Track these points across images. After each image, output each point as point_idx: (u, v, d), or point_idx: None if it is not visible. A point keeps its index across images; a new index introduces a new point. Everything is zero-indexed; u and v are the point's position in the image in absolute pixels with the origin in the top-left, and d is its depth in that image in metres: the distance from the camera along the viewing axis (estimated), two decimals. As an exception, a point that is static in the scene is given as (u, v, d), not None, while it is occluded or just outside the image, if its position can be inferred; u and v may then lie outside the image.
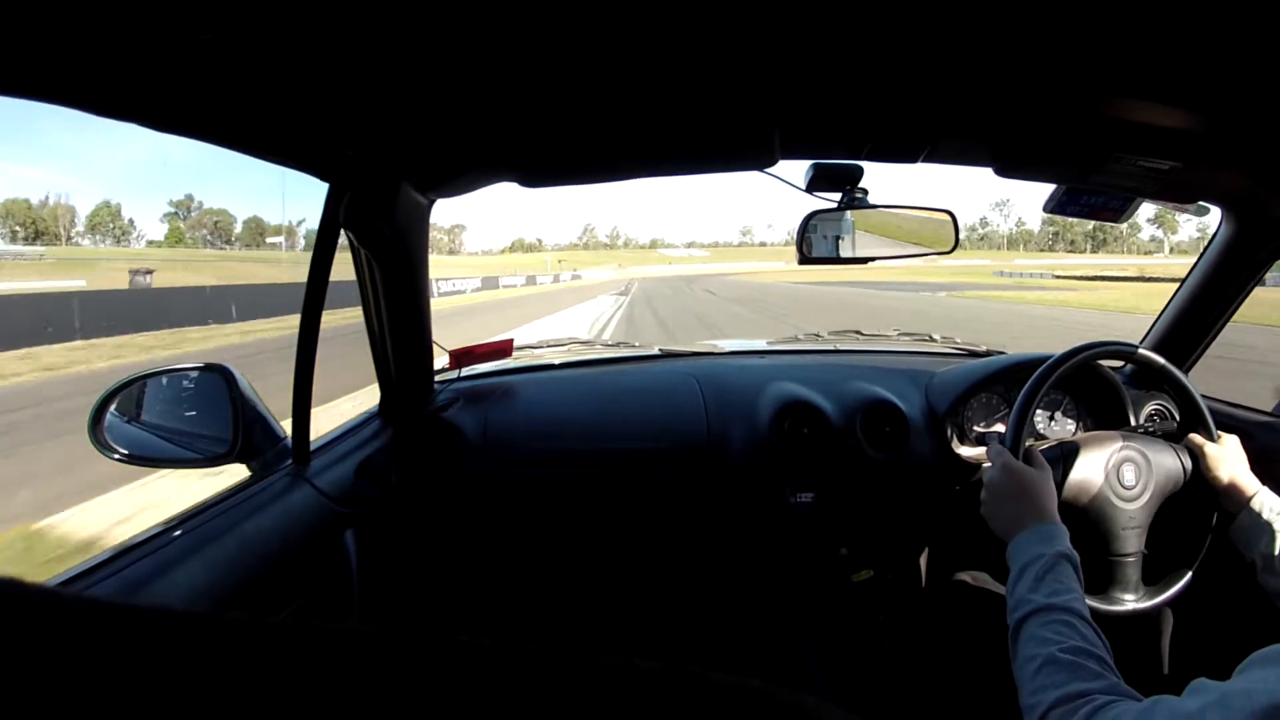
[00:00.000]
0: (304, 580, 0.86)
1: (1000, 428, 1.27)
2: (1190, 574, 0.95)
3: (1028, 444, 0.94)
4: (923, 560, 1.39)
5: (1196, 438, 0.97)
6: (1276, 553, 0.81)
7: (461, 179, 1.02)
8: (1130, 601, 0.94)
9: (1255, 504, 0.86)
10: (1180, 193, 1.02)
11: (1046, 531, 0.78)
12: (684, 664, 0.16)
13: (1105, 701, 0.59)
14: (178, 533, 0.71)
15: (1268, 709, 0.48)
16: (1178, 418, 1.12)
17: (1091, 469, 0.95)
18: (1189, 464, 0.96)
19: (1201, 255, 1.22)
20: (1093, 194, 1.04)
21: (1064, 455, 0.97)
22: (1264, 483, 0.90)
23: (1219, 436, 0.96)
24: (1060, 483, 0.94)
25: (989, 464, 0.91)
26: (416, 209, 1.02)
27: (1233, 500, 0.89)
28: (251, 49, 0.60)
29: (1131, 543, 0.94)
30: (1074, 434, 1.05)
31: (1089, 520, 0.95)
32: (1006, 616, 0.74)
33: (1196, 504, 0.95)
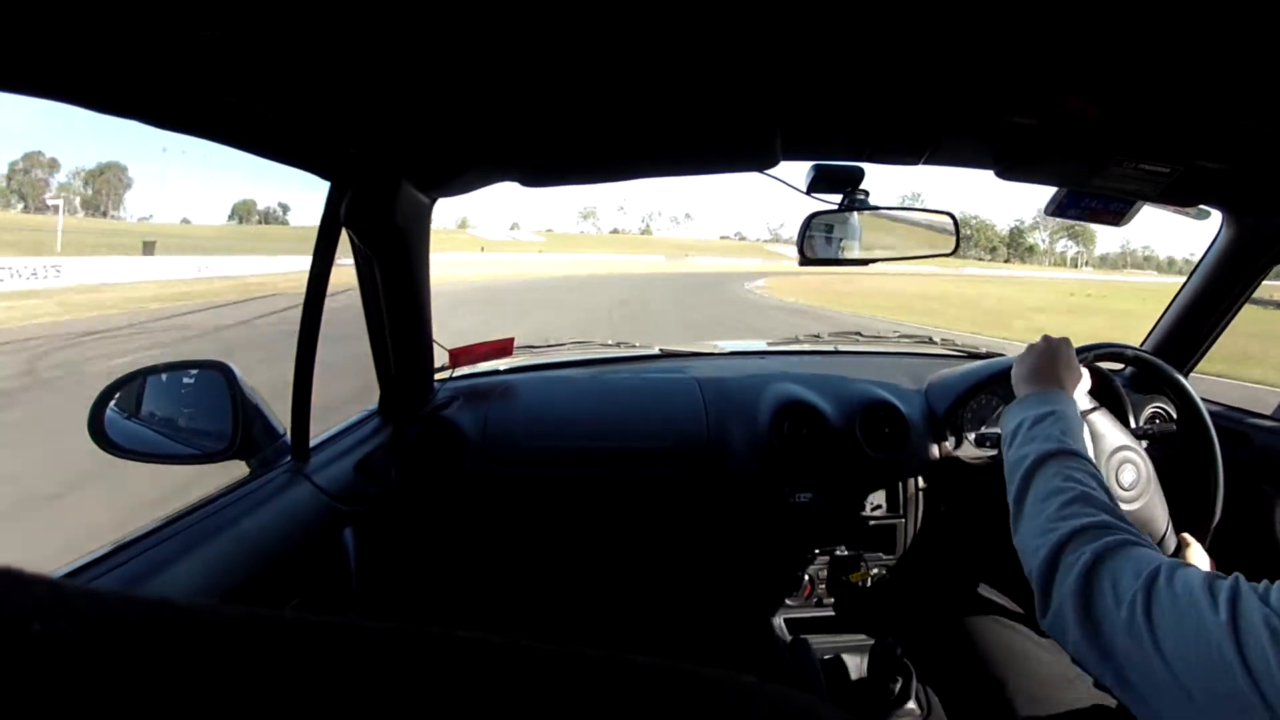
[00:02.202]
0: (302, 577, 0.86)
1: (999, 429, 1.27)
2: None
3: None
4: (922, 562, 1.39)
5: (1188, 537, 0.91)
6: None
7: (462, 178, 1.02)
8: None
9: None
10: (1181, 196, 1.02)
11: (1061, 395, 0.78)
12: (683, 661, 0.16)
13: (1133, 540, 0.57)
14: (176, 529, 0.71)
15: None
16: (1176, 419, 1.12)
17: (1094, 456, 0.95)
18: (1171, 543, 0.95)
19: (1202, 258, 1.22)
20: (1094, 196, 1.04)
21: None
22: (1262, 485, 0.90)
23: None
24: None
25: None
26: (417, 208, 1.02)
27: None
28: (253, 46, 0.60)
29: (1150, 536, 0.94)
30: None
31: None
32: (1006, 458, 0.72)
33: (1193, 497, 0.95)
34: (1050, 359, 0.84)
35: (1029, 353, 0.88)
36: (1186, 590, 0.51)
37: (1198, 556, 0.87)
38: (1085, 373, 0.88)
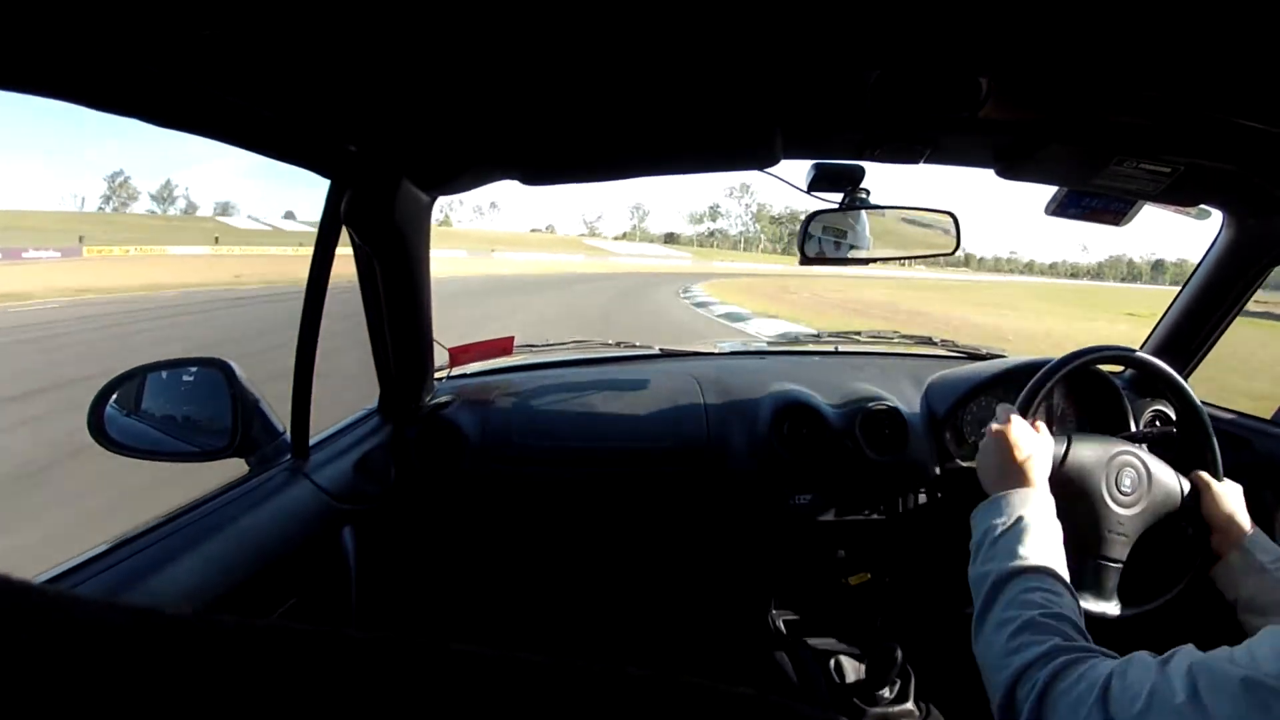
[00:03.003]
0: (301, 576, 0.86)
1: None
2: (1166, 599, 0.94)
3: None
4: (922, 564, 1.39)
5: (1203, 474, 0.95)
6: (1263, 598, 0.81)
7: (463, 176, 1.02)
8: (1101, 608, 0.93)
9: (1249, 544, 0.85)
10: (1182, 196, 1.02)
11: (1025, 495, 0.78)
12: (681, 665, 0.16)
13: (1082, 655, 0.59)
14: (175, 527, 0.71)
15: (1246, 680, 0.48)
16: (1176, 422, 1.12)
17: (1093, 463, 0.95)
18: (1187, 489, 0.95)
19: (1203, 259, 1.22)
20: (1094, 196, 1.04)
21: (1070, 443, 0.96)
22: (1263, 490, 0.89)
23: (1223, 479, 0.95)
24: (1060, 463, 0.93)
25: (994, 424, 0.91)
26: (417, 206, 1.02)
27: (1225, 539, 0.88)
28: (253, 45, 0.60)
29: (1116, 549, 0.94)
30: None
31: (1078, 515, 0.94)
32: (970, 574, 0.73)
33: (1186, 533, 0.95)
34: (1006, 453, 0.83)
35: (986, 450, 0.87)
36: (1141, 679, 0.53)
37: (1231, 494, 0.90)
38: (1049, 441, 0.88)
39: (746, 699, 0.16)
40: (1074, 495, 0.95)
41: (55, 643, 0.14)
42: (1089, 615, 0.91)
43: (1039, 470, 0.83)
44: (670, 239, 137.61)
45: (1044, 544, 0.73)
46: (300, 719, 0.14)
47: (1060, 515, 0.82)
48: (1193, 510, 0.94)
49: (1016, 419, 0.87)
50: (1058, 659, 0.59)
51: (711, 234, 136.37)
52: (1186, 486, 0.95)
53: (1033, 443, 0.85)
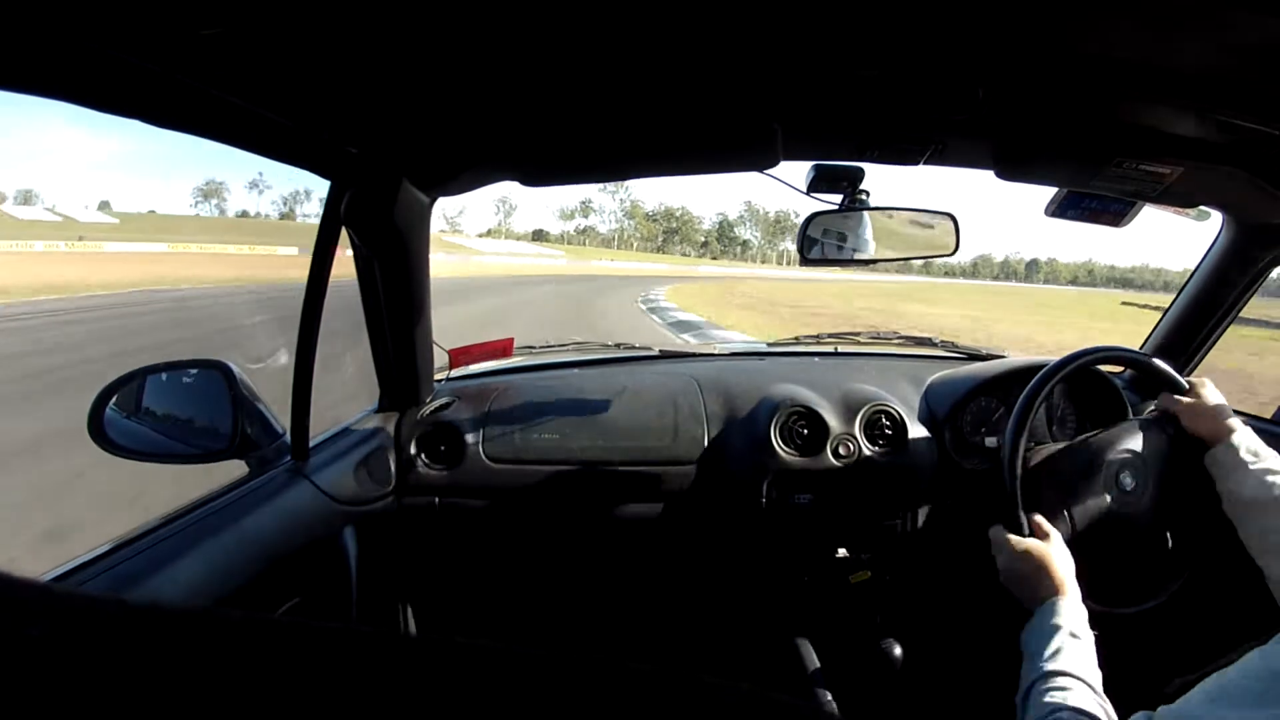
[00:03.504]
0: (302, 577, 0.86)
1: (996, 440, 1.27)
2: (1157, 603, 0.94)
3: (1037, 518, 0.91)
4: (922, 564, 1.39)
5: (1166, 398, 0.97)
6: (1244, 492, 0.85)
7: (463, 177, 1.02)
8: (1137, 603, 0.93)
9: (1235, 440, 0.88)
10: (1181, 197, 1.02)
11: (1057, 607, 0.78)
12: (682, 665, 0.16)
13: None
14: (176, 528, 0.71)
15: None
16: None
17: (1092, 486, 0.95)
18: (1173, 432, 0.96)
19: (1202, 260, 1.22)
20: (1094, 197, 1.04)
21: (1062, 482, 0.96)
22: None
23: (1190, 384, 0.96)
24: (1067, 504, 0.93)
25: (994, 546, 0.91)
26: (417, 207, 1.02)
27: (1215, 436, 0.91)
28: (254, 46, 0.60)
29: (1142, 543, 0.94)
30: (1071, 440, 1.05)
31: (1098, 534, 0.94)
32: (1031, 687, 0.72)
33: (1193, 476, 0.94)
34: (1036, 569, 0.83)
35: (1013, 577, 0.86)
36: None
37: (1203, 404, 0.92)
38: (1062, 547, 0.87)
39: (747, 695, 0.16)
40: (1074, 491, 0.95)
41: (64, 638, 0.14)
42: (1127, 614, 0.92)
43: (1057, 573, 0.82)
44: (539, 236, 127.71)
45: (1073, 651, 0.73)
46: (307, 712, 0.14)
47: (1060, 510, 0.82)
48: (1183, 442, 0.95)
49: (1012, 543, 0.87)
50: None
51: (583, 231, 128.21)
52: (1171, 430, 0.96)
53: (1038, 556, 0.84)
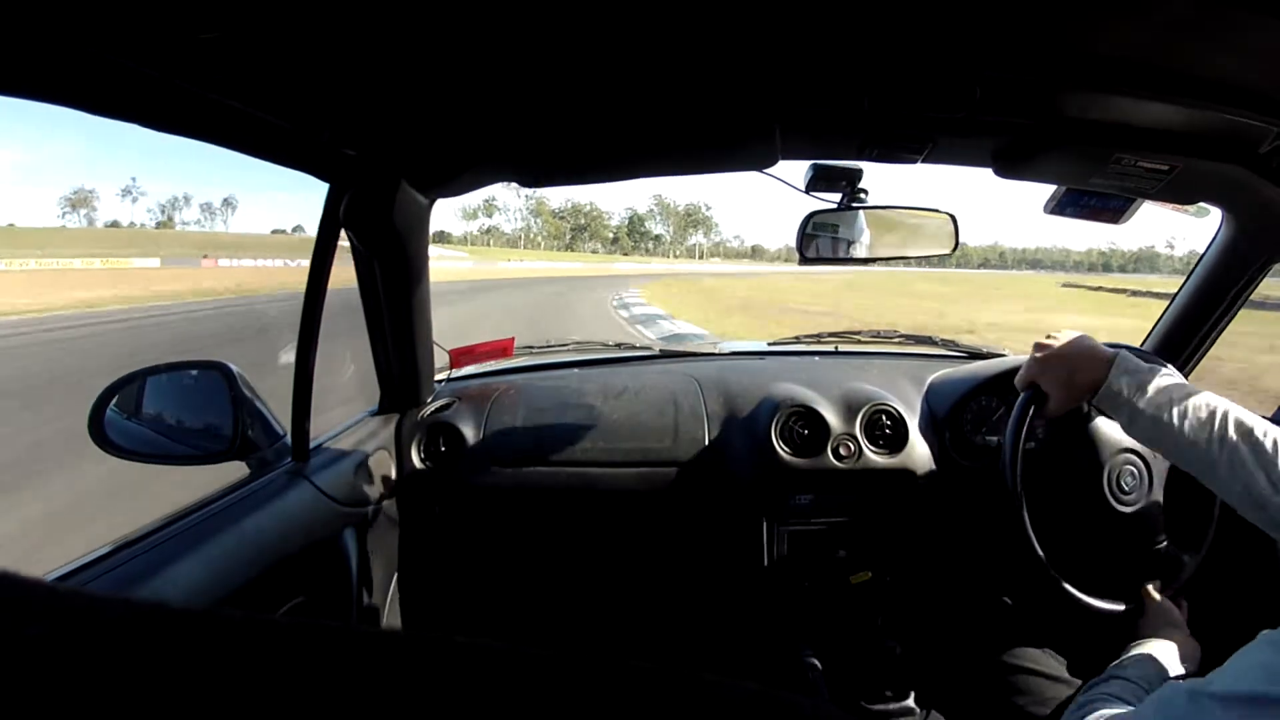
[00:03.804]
0: (302, 578, 0.86)
1: (996, 438, 1.27)
2: (1200, 556, 0.95)
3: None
4: (921, 562, 1.39)
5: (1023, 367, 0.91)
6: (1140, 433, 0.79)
7: (461, 178, 1.02)
8: (1088, 600, 0.93)
9: (1110, 378, 0.79)
10: (1181, 194, 1.02)
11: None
12: (682, 663, 0.16)
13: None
14: (176, 529, 0.72)
15: None
16: None
17: (1092, 491, 0.95)
18: (1031, 395, 0.93)
19: (1201, 257, 1.22)
20: (1093, 195, 1.04)
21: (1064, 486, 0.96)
22: None
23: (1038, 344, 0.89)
24: (1073, 504, 0.93)
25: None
26: (416, 208, 1.02)
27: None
28: (252, 49, 0.61)
29: (1110, 545, 0.94)
30: (1070, 442, 1.05)
31: (1107, 530, 0.94)
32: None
33: (1163, 546, 0.96)
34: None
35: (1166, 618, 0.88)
36: None
37: (1162, 616, 0.89)
38: None
39: (750, 693, 0.16)
40: (1075, 489, 0.95)
41: (65, 638, 0.15)
42: (1076, 604, 0.92)
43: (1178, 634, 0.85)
44: (441, 238, 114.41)
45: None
46: (309, 713, 0.14)
47: (1059, 507, 0.82)
48: (1181, 520, 0.95)
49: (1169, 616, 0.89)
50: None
51: (487, 231, 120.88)
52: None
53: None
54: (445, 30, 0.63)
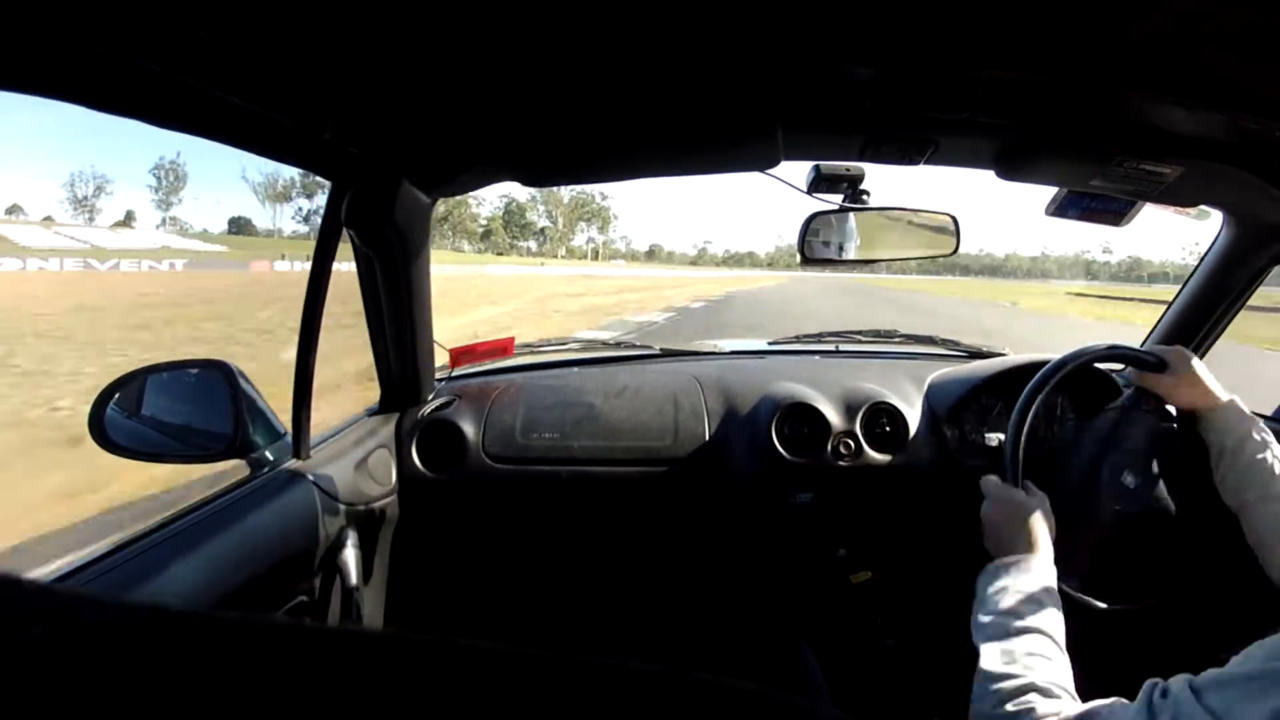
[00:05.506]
0: (303, 577, 0.86)
1: (997, 437, 1.27)
2: (1152, 602, 0.94)
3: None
4: (922, 562, 1.39)
5: (1138, 376, 0.97)
6: (1247, 452, 0.85)
7: (463, 177, 1.02)
8: (1088, 600, 0.93)
9: (1220, 415, 0.89)
10: (1182, 196, 1.02)
11: (1030, 564, 0.77)
12: (683, 663, 0.16)
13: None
14: (176, 528, 0.71)
15: None
16: (1177, 419, 1.12)
17: (1093, 491, 0.95)
18: (1152, 407, 0.96)
19: (1203, 259, 1.22)
20: (1094, 197, 1.04)
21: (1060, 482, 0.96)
22: None
23: (1165, 356, 0.95)
24: (1070, 501, 0.93)
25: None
26: (418, 207, 1.02)
27: (1204, 406, 0.92)
28: (254, 45, 0.60)
29: (1109, 544, 0.94)
30: (1070, 441, 1.05)
31: (1078, 506, 0.94)
32: (974, 635, 0.73)
33: (1188, 457, 0.95)
34: (1014, 520, 0.83)
35: (992, 525, 0.86)
36: None
37: (1180, 363, 0.92)
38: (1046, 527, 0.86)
39: (750, 694, 0.16)
40: (1076, 489, 0.95)
41: (65, 639, 0.14)
42: (1076, 604, 0.92)
43: (1035, 530, 0.82)
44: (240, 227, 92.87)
45: (1044, 610, 0.73)
46: (309, 713, 0.14)
47: (1059, 506, 0.82)
48: (1171, 424, 0.95)
49: (999, 490, 0.88)
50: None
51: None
52: (1180, 499, 0.96)
53: (1019, 508, 0.84)
54: (449, 29, 0.63)
